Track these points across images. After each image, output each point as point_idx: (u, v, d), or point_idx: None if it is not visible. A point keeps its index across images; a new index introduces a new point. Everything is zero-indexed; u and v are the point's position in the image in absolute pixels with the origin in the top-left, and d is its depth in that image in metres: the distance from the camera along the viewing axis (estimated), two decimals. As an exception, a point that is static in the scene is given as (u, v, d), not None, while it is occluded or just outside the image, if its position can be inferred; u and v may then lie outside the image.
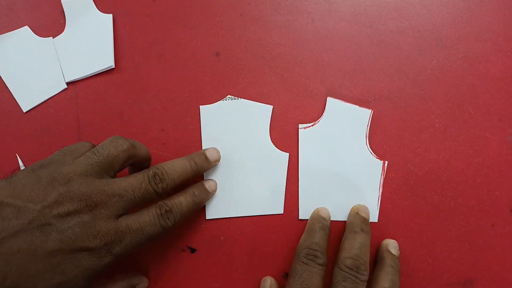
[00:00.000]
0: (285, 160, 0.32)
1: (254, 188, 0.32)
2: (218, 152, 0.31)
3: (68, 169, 0.24)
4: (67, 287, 0.22)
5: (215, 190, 0.31)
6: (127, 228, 0.24)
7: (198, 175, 0.30)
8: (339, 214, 0.31)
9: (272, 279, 0.30)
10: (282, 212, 0.31)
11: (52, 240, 0.21)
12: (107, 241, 0.23)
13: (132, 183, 0.25)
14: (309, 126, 0.32)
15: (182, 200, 0.27)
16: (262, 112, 0.33)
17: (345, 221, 0.31)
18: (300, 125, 0.32)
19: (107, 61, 0.34)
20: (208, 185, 0.30)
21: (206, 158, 0.30)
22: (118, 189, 0.24)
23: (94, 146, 0.27)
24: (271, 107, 0.33)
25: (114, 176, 0.26)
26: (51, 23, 0.35)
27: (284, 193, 0.32)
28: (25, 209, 0.22)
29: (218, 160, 0.31)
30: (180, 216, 0.27)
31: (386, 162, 0.32)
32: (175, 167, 0.27)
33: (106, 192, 0.24)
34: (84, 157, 0.25)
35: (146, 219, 0.25)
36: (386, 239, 0.30)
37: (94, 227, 0.23)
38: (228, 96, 0.33)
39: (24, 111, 0.33)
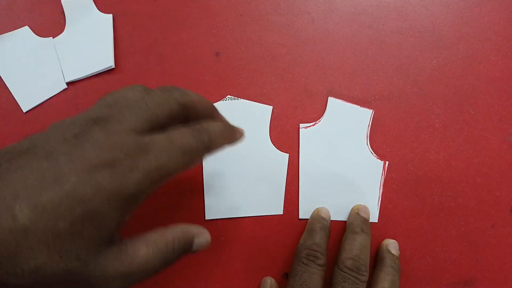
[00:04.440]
0: (285, 161, 0.32)
1: (254, 189, 0.32)
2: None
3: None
4: (95, 222, 0.17)
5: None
6: (152, 140, 0.19)
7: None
8: (339, 214, 0.31)
9: (272, 279, 0.30)
10: (282, 213, 0.31)
11: (61, 162, 0.17)
12: (127, 152, 0.18)
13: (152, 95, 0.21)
14: (310, 126, 0.32)
15: (213, 123, 0.23)
16: (262, 113, 0.33)
17: (345, 221, 0.31)
18: (301, 125, 0.32)
19: (107, 61, 0.34)
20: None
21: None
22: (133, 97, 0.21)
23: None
24: (271, 107, 0.33)
25: None
26: (51, 23, 0.35)
27: (284, 194, 0.32)
28: (32, 139, 0.18)
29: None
30: (214, 135, 0.22)
31: (387, 162, 0.32)
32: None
33: (119, 105, 0.20)
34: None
35: (176, 132, 0.21)
36: (386, 239, 0.30)
37: (111, 139, 0.18)
38: (228, 96, 0.33)
39: (24, 111, 0.33)
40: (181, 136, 0.20)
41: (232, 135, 0.25)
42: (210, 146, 0.22)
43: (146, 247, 0.20)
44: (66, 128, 0.19)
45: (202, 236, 0.23)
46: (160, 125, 0.21)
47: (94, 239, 0.17)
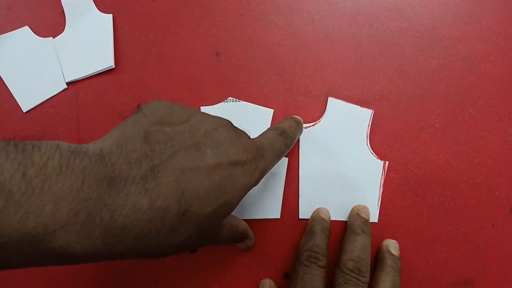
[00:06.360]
0: (284, 166, 0.32)
1: (252, 192, 0.31)
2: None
3: None
4: (227, 209, 0.21)
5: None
6: (262, 144, 0.24)
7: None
8: (339, 214, 0.31)
9: (271, 281, 0.30)
10: (279, 217, 0.31)
11: (209, 156, 0.21)
12: (254, 155, 0.23)
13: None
14: (310, 126, 0.32)
15: (289, 123, 0.29)
16: (263, 115, 0.32)
17: (345, 221, 0.31)
18: (301, 125, 0.32)
19: (107, 61, 0.34)
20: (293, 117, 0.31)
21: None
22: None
23: None
24: (272, 110, 0.33)
25: None
26: (51, 23, 0.35)
27: (282, 198, 0.31)
28: (174, 132, 0.21)
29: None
30: (293, 135, 0.28)
31: (387, 162, 0.32)
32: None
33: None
34: None
35: (272, 137, 0.26)
36: (386, 240, 0.30)
37: (241, 141, 0.22)
38: (230, 98, 0.33)
39: (24, 111, 0.33)
40: (276, 140, 0.25)
41: (300, 127, 0.30)
42: (290, 146, 0.27)
43: (228, 228, 0.25)
44: (206, 121, 0.22)
45: (251, 240, 0.30)
46: None
47: (222, 219, 0.22)
